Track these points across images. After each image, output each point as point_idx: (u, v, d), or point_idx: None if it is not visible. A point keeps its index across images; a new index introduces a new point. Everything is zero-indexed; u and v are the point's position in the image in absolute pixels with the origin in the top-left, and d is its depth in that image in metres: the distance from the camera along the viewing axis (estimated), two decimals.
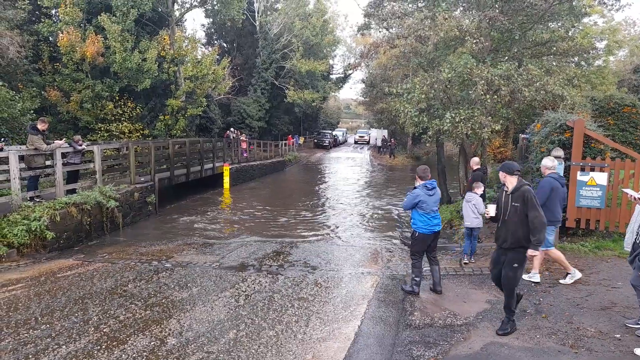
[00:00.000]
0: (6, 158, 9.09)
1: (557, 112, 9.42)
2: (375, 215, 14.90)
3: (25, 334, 4.95)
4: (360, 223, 13.47)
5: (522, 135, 17.88)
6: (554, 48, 12.54)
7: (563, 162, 8.00)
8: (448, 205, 12.79)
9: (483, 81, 9.96)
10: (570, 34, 11.85)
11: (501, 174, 5.03)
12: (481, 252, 8.42)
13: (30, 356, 4.44)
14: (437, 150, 13.80)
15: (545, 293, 6.17)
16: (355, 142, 55.17)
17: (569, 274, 6.64)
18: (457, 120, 10.30)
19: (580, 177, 8.04)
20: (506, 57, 12.36)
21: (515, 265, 4.82)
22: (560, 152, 8.03)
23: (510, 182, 4.90)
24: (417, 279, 6.31)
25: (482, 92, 10.14)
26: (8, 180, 9.24)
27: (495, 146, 20.94)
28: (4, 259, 7.95)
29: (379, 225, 13.08)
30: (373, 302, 6.08)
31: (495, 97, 10.31)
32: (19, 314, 5.52)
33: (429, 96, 10.83)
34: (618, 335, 4.78)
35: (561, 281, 6.65)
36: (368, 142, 52.96)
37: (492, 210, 5.04)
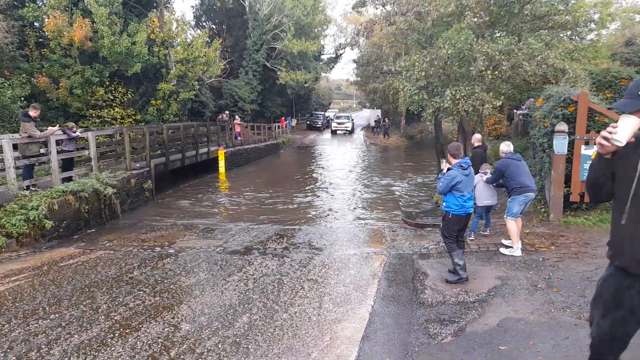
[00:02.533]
0: (0, 147, 8.85)
1: (559, 87, 9.35)
2: (375, 195, 14.87)
3: (35, 324, 4.86)
4: (360, 204, 13.43)
5: (518, 112, 17.84)
6: (551, 22, 12.40)
7: (567, 137, 7.98)
8: None
9: (483, 57, 9.83)
10: (569, 6, 11.68)
11: None
12: (484, 228, 8.42)
13: (42, 346, 4.36)
14: (435, 129, 13.73)
15: (554, 267, 6.18)
16: (333, 133, 42.80)
17: (509, 247, 6.90)
18: (457, 97, 10.20)
19: (584, 151, 8.02)
20: (504, 32, 12.20)
21: None
22: (564, 127, 8.00)
23: None
24: (460, 262, 5.84)
25: (483, 68, 10.02)
26: (3, 170, 9.02)
27: (491, 123, 20.89)
28: (3, 250, 7.81)
29: (380, 205, 13.05)
30: (383, 281, 6.06)
31: (496, 72, 10.20)
32: (25, 304, 5.43)
33: (429, 73, 10.69)
34: None
35: (501, 250, 6.97)
36: (351, 131, 42.31)
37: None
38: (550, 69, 9.77)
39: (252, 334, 4.55)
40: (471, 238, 7.72)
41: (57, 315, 5.11)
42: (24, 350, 4.28)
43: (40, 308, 5.32)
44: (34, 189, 9.57)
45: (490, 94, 10.67)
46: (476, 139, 8.84)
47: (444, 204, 5.94)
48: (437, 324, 4.67)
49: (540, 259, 6.53)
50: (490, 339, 4.27)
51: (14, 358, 4.14)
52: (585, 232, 7.65)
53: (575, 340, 4.14)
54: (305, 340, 4.39)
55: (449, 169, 5.86)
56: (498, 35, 11.96)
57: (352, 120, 44.56)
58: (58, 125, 10.98)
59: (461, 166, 5.78)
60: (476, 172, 7.40)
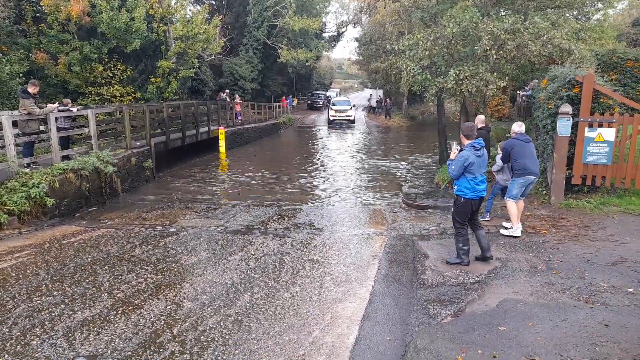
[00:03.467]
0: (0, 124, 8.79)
1: (564, 67, 9.22)
2: (376, 176, 14.84)
3: (38, 301, 4.91)
4: (361, 184, 13.42)
5: (521, 93, 17.67)
6: (558, 0, 12.15)
7: (571, 118, 7.91)
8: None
9: (488, 36, 9.66)
10: None
11: None
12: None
13: (46, 322, 4.40)
14: (438, 110, 13.58)
15: (553, 249, 6.21)
16: (330, 123, 33.95)
17: (509, 228, 6.98)
18: (461, 77, 10.06)
19: (587, 133, 7.96)
20: (510, 10, 11.98)
21: None
22: (568, 108, 7.92)
23: None
24: (465, 247, 5.77)
25: (488, 47, 9.86)
26: (3, 147, 8.97)
27: (493, 104, 20.72)
28: (5, 227, 7.83)
29: (381, 186, 13.04)
30: (383, 262, 6.09)
31: (501, 52, 10.05)
32: (28, 281, 5.47)
33: (432, 53, 10.53)
34: (631, 289, 4.83)
35: (502, 231, 7.03)
36: (352, 121, 34.15)
37: None
38: (556, 49, 9.62)
39: (253, 313, 4.60)
40: (486, 219, 7.70)
41: (60, 292, 5.15)
42: (28, 326, 4.32)
43: (43, 285, 5.36)
44: (34, 166, 9.54)
45: (495, 74, 10.53)
46: (480, 120, 8.71)
47: (455, 187, 5.78)
48: (437, 305, 4.71)
49: (541, 241, 6.55)
50: (490, 319, 4.31)
51: (19, 333, 4.19)
52: (586, 215, 7.65)
53: (574, 321, 4.18)
54: (306, 319, 4.43)
55: (460, 150, 5.66)
56: (504, 13, 11.75)
57: (354, 106, 35.58)
58: (57, 102, 10.85)
59: (474, 147, 5.58)
60: None
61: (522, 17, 10.35)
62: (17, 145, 9.17)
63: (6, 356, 3.81)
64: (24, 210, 8.27)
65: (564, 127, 7.90)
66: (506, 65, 10.90)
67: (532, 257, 5.98)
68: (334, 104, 35.11)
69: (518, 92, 19.09)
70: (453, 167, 5.62)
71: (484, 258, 5.89)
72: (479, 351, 3.71)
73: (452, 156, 5.83)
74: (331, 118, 33.68)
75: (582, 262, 5.68)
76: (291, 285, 5.33)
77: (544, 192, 8.80)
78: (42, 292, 5.15)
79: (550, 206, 8.23)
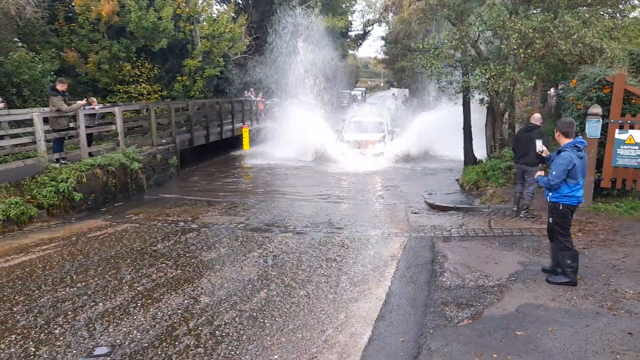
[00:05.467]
0: (31, 120, 9.11)
1: (595, 67, 8.93)
2: (399, 175, 14.70)
3: (62, 291, 5.07)
4: (384, 183, 13.32)
5: (552, 92, 17.18)
6: None
7: (601, 120, 7.66)
8: (474, 166, 12.49)
9: (516, 34, 9.43)
10: None
11: None
12: (510, 213, 8.26)
13: (69, 312, 4.54)
14: (464, 109, 13.35)
15: (579, 254, 5.98)
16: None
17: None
18: (487, 76, 9.86)
19: (618, 135, 7.71)
20: (540, 9, 11.67)
21: None
22: (598, 109, 7.68)
23: None
24: (574, 264, 4.99)
25: (515, 46, 9.63)
26: (34, 142, 9.30)
27: (523, 105, 20.23)
28: (35, 220, 8.11)
29: (403, 186, 12.91)
30: (402, 263, 6.03)
31: (529, 51, 9.79)
32: (54, 272, 5.65)
33: (458, 51, 10.35)
34: None
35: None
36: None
37: None
38: (587, 48, 9.31)
39: (268, 309, 4.63)
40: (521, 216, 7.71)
41: (83, 283, 5.30)
42: (52, 315, 4.47)
43: (68, 276, 5.53)
44: (63, 162, 9.85)
45: (522, 73, 10.28)
46: (535, 118, 8.28)
47: (550, 193, 5.06)
48: (454, 307, 4.64)
49: (575, 248, 6.34)
50: (508, 323, 4.21)
51: (43, 322, 4.34)
52: (615, 219, 7.40)
53: (596, 328, 4.04)
54: (320, 318, 4.43)
55: (560, 151, 4.92)
56: (533, 12, 11.45)
57: (386, 126, 18.02)
58: (85, 99, 11.14)
59: (576, 146, 4.83)
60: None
61: (552, 15, 10.07)
62: (47, 141, 9.48)
63: (30, 343, 3.95)
64: (53, 204, 8.54)
65: (593, 128, 7.66)
66: (535, 64, 10.62)
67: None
68: (351, 126, 17.90)
69: (549, 92, 18.58)
70: (554, 173, 4.83)
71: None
72: (494, 355, 3.63)
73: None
74: (345, 149, 16.34)
75: (608, 268, 5.49)
76: (307, 283, 5.34)
77: None
78: (67, 283, 5.32)
79: (578, 210, 7.95)
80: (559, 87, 14.84)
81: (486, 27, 9.87)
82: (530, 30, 9.40)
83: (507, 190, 9.67)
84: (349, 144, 16.47)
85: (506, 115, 12.13)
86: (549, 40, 9.42)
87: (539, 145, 5.54)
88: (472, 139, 13.61)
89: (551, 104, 16.80)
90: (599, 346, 3.75)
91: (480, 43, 10.44)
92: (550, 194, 5.08)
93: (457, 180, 12.68)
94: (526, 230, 7.10)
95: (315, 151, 16.67)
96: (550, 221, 5.16)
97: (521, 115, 18.04)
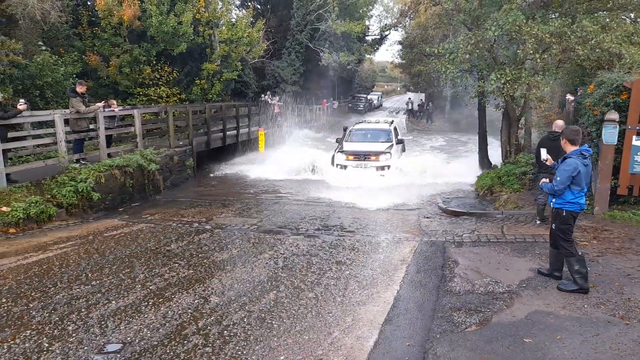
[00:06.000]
0: (53, 121, 9.37)
1: (613, 72, 8.79)
2: (411, 180, 14.63)
3: (77, 289, 5.20)
4: (396, 188, 13.27)
5: (570, 98, 16.92)
6: (611, 2, 11.58)
7: (618, 126, 7.53)
8: (489, 171, 12.38)
9: (532, 39, 9.35)
10: None
11: None
12: (524, 219, 8.17)
13: (82, 309, 4.67)
14: (479, 114, 13.27)
15: (593, 262, 5.92)
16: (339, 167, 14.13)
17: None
18: (502, 81, 9.79)
19: (635, 141, 7.56)
20: (557, 13, 11.54)
21: None
22: (615, 115, 7.56)
23: None
24: (582, 270, 4.97)
25: (531, 51, 9.55)
26: (55, 143, 9.56)
27: (541, 110, 19.94)
28: (54, 218, 8.33)
29: (416, 190, 12.84)
30: (411, 267, 6.03)
31: (545, 56, 9.70)
32: (70, 270, 5.80)
33: (473, 56, 10.31)
34: None
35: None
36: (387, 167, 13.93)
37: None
38: (605, 54, 9.17)
39: (277, 311, 4.68)
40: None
41: (98, 282, 5.44)
42: (66, 312, 4.60)
43: (83, 274, 5.67)
44: (83, 162, 10.09)
45: (539, 78, 10.18)
46: (558, 125, 8.14)
47: (553, 200, 5.15)
48: (462, 313, 4.62)
49: (580, 254, 6.26)
50: (516, 330, 4.18)
51: (57, 318, 4.46)
52: (632, 227, 7.26)
53: (607, 337, 3.99)
54: (327, 320, 4.46)
55: (565, 158, 5.00)
56: (551, 16, 11.33)
57: (395, 132, 15.81)
58: (104, 101, 11.38)
59: (582, 154, 4.92)
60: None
61: (570, 20, 9.95)
62: (67, 142, 9.74)
63: (44, 339, 4.07)
64: (72, 203, 8.76)
65: (609, 134, 7.53)
66: (552, 69, 10.51)
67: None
68: (351, 135, 15.69)
69: (567, 97, 18.30)
70: (559, 179, 4.91)
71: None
72: None
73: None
74: (339, 163, 14.20)
75: (622, 277, 5.40)
76: (316, 285, 5.37)
77: (587, 202, 8.39)
78: (82, 280, 5.46)
79: (593, 217, 7.86)
80: (579, 92, 14.62)
81: (502, 32, 9.81)
82: (547, 35, 9.32)
83: (522, 196, 9.57)
84: (347, 156, 14.01)
85: (522, 120, 12.00)
86: (566, 45, 9.33)
87: (544, 154, 5.53)
88: (487, 144, 13.51)
89: (569, 110, 16.52)
90: (609, 355, 3.70)
91: (496, 48, 10.36)
92: (553, 200, 5.17)
93: (470, 185, 12.58)
94: (539, 237, 7.01)
95: (313, 165, 15.21)
96: (553, 227, 5.24)
97: (538, 121, 17.82)
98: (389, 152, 13.94)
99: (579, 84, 13.83)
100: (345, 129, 16.29)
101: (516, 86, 9.83)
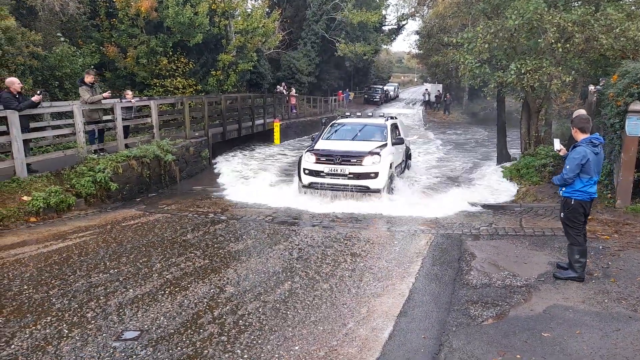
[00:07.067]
0: (71, 112, 9.50)
1: (637, 62, 8.53)
2: (428, 172, 14.52)
3: (96, 277, 5.29)
4: (412, 180, 13.17)
5: (592, 88, 16.50)
6: None
7: None
8: (507, 164, 12.19)
9: (554, 28, 9.12)
10: None
11: None
12: (543, 212, 8.03)
13: (101, 297, 4.74)
14: (498, 105, 13.03)
15: (614, 256, 5.81)
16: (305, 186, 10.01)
17: None
18: (522, 71, 9.59)
19: None
20: (580, 1, 11.23)
21: None
22: (639, 106, 7.34)
23: None
24: (582, 260, 4.98)
25: (553, 41, 9.31)
26: (74, 134, 9.69)
27: (561, 101, 19.51)
28: (73, 208, 8.46)
29: (431, 182, 12.74)
30: (427, 260, 5.98)
31: (567, 45, 9.45)
32: (89, 259, 5.89)
33: (492, 46, 10.10)
34: None
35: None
36: (369, 189, 9.64)
37: None
38: (630, 42, 8.90)
39: (291, 301, 4.68)
40: None
41: (115, 270, 5.51)
42: (85, 300, 4.68)
43: (101, 263, 5.76)
44: (102, 153, 10.22)
45: (560, 68, 9.94)
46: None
47: (562, 188, 5.09)
48: (478, 306, 4.57)
49: (600, 247, 6.14)
50: (534, 324, 4.12)
51: (76, 305, 4.54)
52: None
53: (628, 332, 3.90)
54: (342, 311, 4.45)
55: (574, 146, 4.92)
56: (574, 4, 11.03)
57: (395, 130, 11.52)
58: (109, 91, 11.31)
59: (592, 142, 4.82)
60: None
61: (593, 8, 9.67)
62: (86, 132, 9.86)
63: (64, 325, 4.15)
64: (90, 193, 8.89)
65: (633, 126, 7.34)
66: (573, 59, 10.25)
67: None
68: (333, 132, 11.62)
69: (590, 87, 17.87)
70: (568, 167, 4.84)
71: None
72: (517, 356, 3.56)
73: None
74: (306, 168, 10.05)
75: None
76: (331, 277, 5.37)
77: (609, 195, 8.23)
78: (100, 269, 5.54)
79: (615, 210, 7.69)
80: (601, 82, 14.25)
81: (523, 21, 9.58)
82: (569, 23, 9.08)
83: (541, 188, 9.41)
84: (317, 158, 9.92)
85: (542, 111, 11.76)
86: (589, 34, 9.08)
87: (557, 144, 5.42)
88: (505, 136, 13.29)
89: (591, 101, 16.12)
90: (630, 351, 3.61)
91: (516, 37, 10.13)
92: (562, 189, 5.09)
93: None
94: (558, 230, 6.86)
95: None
96: (562, 216, 5.20)
97: (559, 112, 17.44)
98: (377, 154, 9.62)
99: (602, 74, 13.48)
100: (323, 124, 12.33)
101: (537, 76, 9.61)
